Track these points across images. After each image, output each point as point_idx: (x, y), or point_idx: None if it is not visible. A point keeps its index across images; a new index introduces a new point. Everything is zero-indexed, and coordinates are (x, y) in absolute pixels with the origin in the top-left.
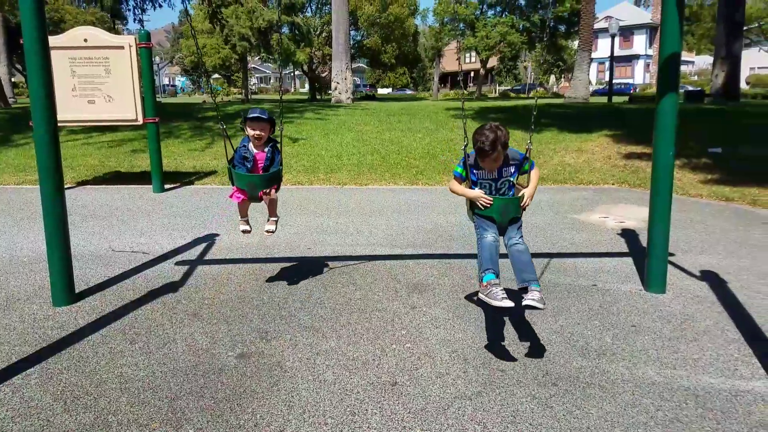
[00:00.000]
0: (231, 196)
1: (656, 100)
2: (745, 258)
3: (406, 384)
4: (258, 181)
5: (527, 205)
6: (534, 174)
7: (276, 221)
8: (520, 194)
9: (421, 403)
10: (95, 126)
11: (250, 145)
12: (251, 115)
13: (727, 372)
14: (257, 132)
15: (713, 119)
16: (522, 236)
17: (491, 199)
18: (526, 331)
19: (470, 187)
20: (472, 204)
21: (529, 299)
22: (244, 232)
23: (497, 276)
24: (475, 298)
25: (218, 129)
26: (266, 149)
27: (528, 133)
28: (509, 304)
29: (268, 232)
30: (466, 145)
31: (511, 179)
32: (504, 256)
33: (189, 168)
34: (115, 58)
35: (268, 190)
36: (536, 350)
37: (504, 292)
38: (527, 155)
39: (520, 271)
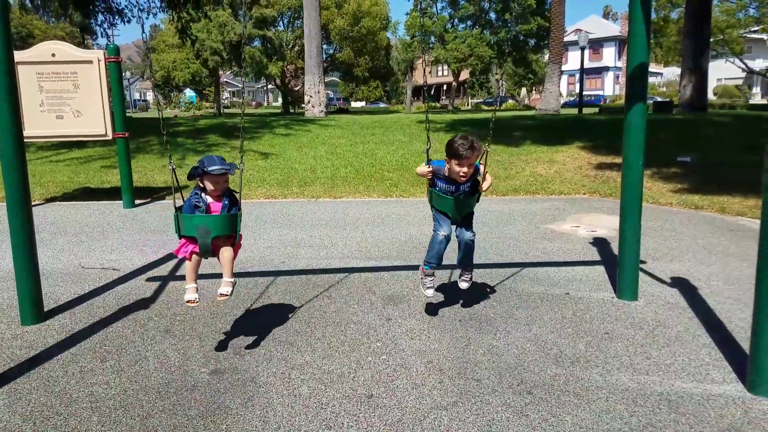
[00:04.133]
0: (177, 252)
1: (625, 111)
2: (714, 264)
3: (382, 396)
4: (211, 223)
5: (487, 188)
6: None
7: (232, 284)
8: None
9: (398, 414)
10: (64, 142)
11: (204, 195)
12: (213, 170)
13: (699, 376)
14: (220, 186)
15: (682, 129)
16: (472, 228)
17: (430, 172)
18: (500, 340)
19: (433, 188)
20: (430, 197)
21: (461, 280)
22: (189, 302)
23: (434, 267)
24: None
25: (190, 144)
26: (223, 198)
27: (486, 142)
28: (430, 294)
29: (222, 296)
30: (428, 148)
31: (467, 191)
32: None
33: (160, 183)
34: (83, 73)
35: (223, 239)
36: (511, 359)
37: (432, 281)
38: (482, 161)
39: (462, 260)
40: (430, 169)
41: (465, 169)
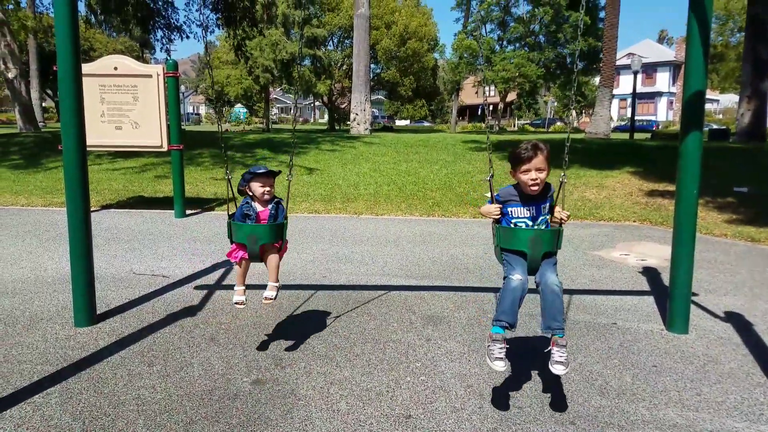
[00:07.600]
0: (229, 255)
1: (680, 138)
2: None
3: (421, 417)
4: (261, 231)
5: (565, 220)
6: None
7: (277, 288)
8: (556, 218)
9: None
10: (120, 151)
11: (254, 203)
12: (259, 171)
13: (753, 416)
14: (267, 188)
15: (738, 158)
16: (557, 274)
17: (499, 208)
18: (543, 368)
19: (500, 222)
20: (499, 239)
21: (555, 363)
22: (237, 304)
23: (507, 329)
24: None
25: (239, 157)
26: (270, 206)
27: (563, 169)
28: (500, 367)
29: (267, 299)
30: (491, 176)
31: (547, 217)
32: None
33: (210, 194)
34: (143, 87)
35: (270, 245)
36: (554, 387)
37: (502, 351)
38: (559, 191)
39: (548, 318)
40: (498, 203)
41: (533, 174)
